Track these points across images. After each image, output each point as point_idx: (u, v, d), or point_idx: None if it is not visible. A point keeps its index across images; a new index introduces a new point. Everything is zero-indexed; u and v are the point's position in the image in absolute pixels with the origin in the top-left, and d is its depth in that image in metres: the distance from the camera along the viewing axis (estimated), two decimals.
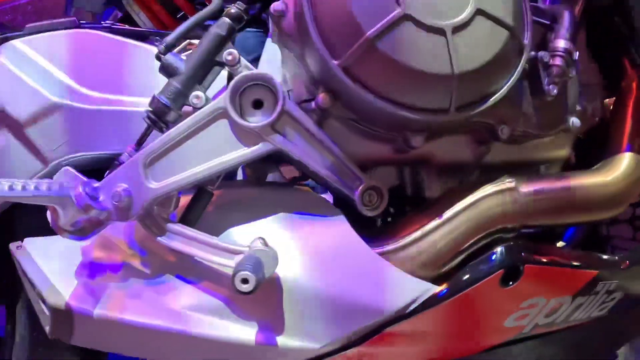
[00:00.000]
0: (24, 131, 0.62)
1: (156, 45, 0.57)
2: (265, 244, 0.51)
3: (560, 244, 0.70)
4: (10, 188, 0.49)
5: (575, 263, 0.60)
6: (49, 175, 0.56)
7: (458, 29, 0.50)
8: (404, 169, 0.60)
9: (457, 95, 0.51)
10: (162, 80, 0.56)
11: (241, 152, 0.53)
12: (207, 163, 0.53)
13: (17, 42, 0.64)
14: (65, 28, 0.65)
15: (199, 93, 0.54)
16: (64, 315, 0.55)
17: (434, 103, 0.52)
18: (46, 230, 0.55)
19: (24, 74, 0.62)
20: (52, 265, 0.58)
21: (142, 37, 0.66)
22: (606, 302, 0.62)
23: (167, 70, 0.55)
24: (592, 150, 0.67)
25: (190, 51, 0.56)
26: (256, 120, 0.53)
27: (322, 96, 0.54)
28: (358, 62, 0.50)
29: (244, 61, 0.55)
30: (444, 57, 0.49)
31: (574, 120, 0.61)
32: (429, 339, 0.57)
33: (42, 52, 0.63)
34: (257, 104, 0.54)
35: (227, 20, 0.55)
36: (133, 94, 0.61)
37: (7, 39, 0.65)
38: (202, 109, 0.53)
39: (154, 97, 0.54)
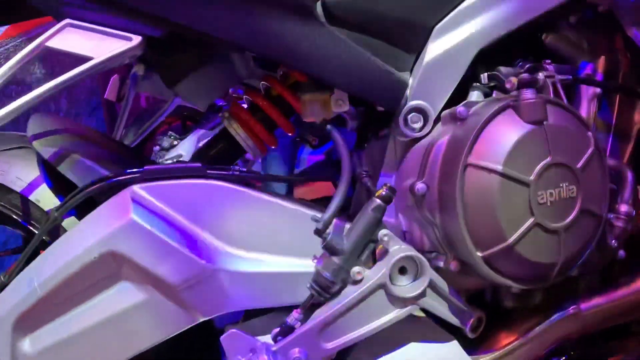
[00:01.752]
0: (175, 292, 0.66)
1: (314, 220, 0.64)
2: None
3: None
4: None
5: None
6: None
7: (568, 228, 0.66)
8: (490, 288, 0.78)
9: (558, 271, 0.68)
10: (300, 237, 0.67)
11: (396, 314, 0.67)
12: (369, 325, 0.66)
13: (140, 190, 0.66)
14: (192, 176, 0.68)
15: (360, 269, 0.65)
16: None
17: (536, 281, 0.68)
18: None
19: (165, 236, 0.65)
20: None
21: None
22: None
23: (330, 250, 0.64)
24: None
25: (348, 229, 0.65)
26: (402, 284, 0.66)
27: (454, 264, 0.68)
28: (495, 257, 0.65)
29: (394, 237, 0.66)
30: (557, 251, 0.66)
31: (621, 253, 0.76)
32: None
33: (171, 204, 0.66)
34: (402, 270, 0.67)
35: (381, 203, 0.64)
36: (277, 252, 0.68)
37: (124, 184, 0.68)
38: (367, 286, 0.65)
39: (317, 272, 0.64)
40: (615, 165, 0.75)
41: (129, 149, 0.98)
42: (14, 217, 0.81)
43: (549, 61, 0.76)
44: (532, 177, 0.63)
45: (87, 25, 0.71)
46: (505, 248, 0.64)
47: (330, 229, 0.64)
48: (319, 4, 0.68)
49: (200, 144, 2.04)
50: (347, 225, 0.66)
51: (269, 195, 0.69)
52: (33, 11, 0.76)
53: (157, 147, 2.05)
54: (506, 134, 0.62)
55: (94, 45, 0.70)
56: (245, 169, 0.71)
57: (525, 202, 0.63)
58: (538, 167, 0.62)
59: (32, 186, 0.82)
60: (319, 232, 0.64)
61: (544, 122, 0.63)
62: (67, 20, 0.71)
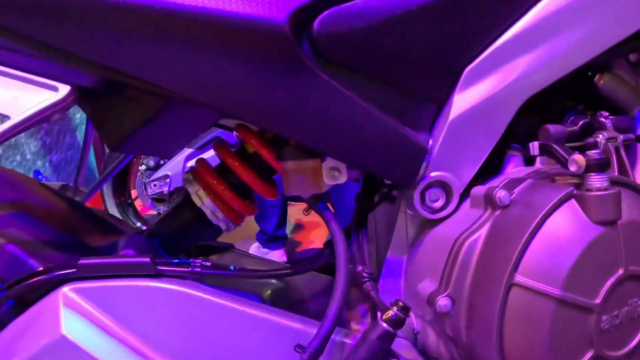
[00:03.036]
0: None
1: (297, 351, 0.47)
2: None
3: None
4: None
5: None
6: None
7: (629, 356, 0.48)
8: None
9: None
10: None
11: None
12: None
13: (71, 293, 0.50)
14: (139, 275, 0.51)
15: None
16: None
17: None
18: None
19: (102, 355, 0.48)
20: None
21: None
22: None
23: None
24: None
25: None
26: None
27: None
28: None
29: None
30: None
31: None
32: None
33: (111, 311, 0.50)
34: None
35: (389, 330, 0.47)
36: None
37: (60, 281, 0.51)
38: None
39: None
40: None
41: (82, 211, 0.79)
42: None
43: (607, 114, 0.59)
44: (597, 301, 0.45)
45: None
46: None
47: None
48: (305, 41, 0.48)
49: (188, 163, 1.88)
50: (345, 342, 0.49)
51: (240, 303, 0.51)
52: None
53: (143, 167, 1.89)
54: (568, 241, 0.44)
55: (6, 96, 0.57)
56: (209, 264, 0.53)
57: (585, 332, 0.45)
58: (606, 286, 0.45)
59: None
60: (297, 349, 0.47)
61: (618, 222, 0.45)
62: None
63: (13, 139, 1.98)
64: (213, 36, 0.45)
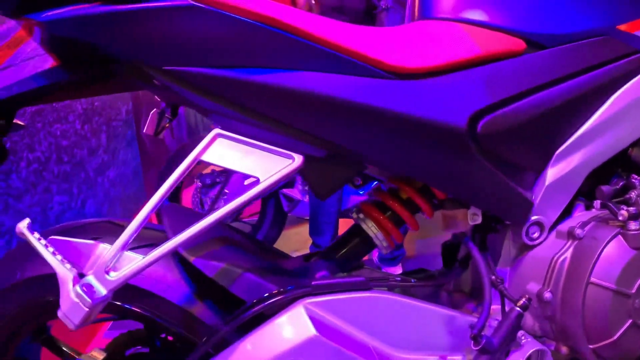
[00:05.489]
0: None
1: (471, 327, 0.75)
2: None
3: None
4: None
5: None
6: None
7: None
8: None
9: None
10: (451, 336, 0.79)
11: None
12: None
13: (313, 306, 0.73)
14: (356, 289, 0.76)
15: None
16: None
17: None
18: None
19: (344, 348, 0.71)
20: None
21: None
22: None
23: (484, 351, 0.74)
24: None
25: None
26: None
27: (565, 349, 0.83)
28: (602, 349, 0.80)
29: (527, 336, 0.80)
30: None
31: None
32: None
33: (342, 316, 0.73)
34: (528, 358, 0.81)
35: (521, 312, 0.78)
36: (434, 351, 0.79)
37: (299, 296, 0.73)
38: None
39: None
40: None
41: (270, 249, 0.98)
42: (168, 325, 0.80)
43: (637, 177, 0.89)
44: (633, 291, 0.79)
45: (238, 138, 0.70)
46: (610, 343, 0.79)
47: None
48: (472, 135, 0.73)
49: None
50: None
51: (424, 303, 0.80)
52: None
53: (199, 184, 2.13)
54: (618, 258, 0.78)
55: (253, 162, 0.69)
56: (399, 277, 0.83)
57: (626, 309, 0.79)
58: (638, 282, 0.79)
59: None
60: (475, 337, 0.75)
61: None
62: (217, 131, 0.70)
63: (78, 157, 2.21)
64: (414, 130, 0.71)
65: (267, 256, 0.90)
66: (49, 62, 0.68)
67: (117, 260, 0.68)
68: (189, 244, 0.75)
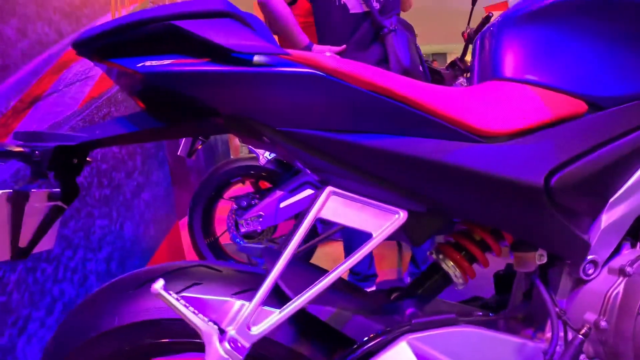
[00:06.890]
0: None
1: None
2: None
3: None
4: None
5: None
6: None
7: None
8: None
9: None
10: None
11: None
12: None
13: (417, 342, 0.83)
14: (449, 324, 0.87)
15: None
16: None
17: None
18: None
19: None
20: None
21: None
22: None
23: None
24: None
25: None
26: None
27: None
28: None
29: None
30: None
31: None
32: None
33: (441, 350, 0.84)
34: None
35: (584, 339, 0.93)
36: None
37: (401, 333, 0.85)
38: None
39: None
40: None
41: (356, 287, 1.05)
42: None
43: None
44: None
45: (349, 195, 0.78)
46: None
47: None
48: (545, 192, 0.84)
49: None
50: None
51: (501, 333, 0.93)
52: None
53: (235, 207, 2.24)
54: None
55: (365, 218, 0.78)
56: (480, 312, 0.98)
57: None
58: None
59: None
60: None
61: None
62: (331, 188, 0.78)
63: (117, 180, 2.31)
64: (497, 187, 0.81)
65: (360, 295, 1.02)
66: (90, 85, 0.70)
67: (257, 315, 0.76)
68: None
